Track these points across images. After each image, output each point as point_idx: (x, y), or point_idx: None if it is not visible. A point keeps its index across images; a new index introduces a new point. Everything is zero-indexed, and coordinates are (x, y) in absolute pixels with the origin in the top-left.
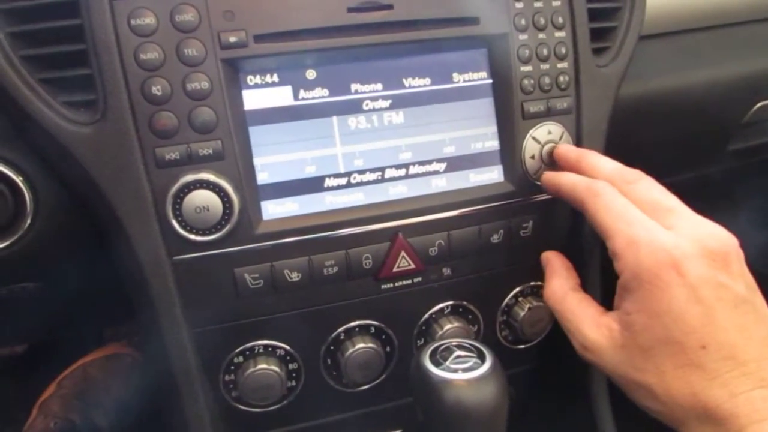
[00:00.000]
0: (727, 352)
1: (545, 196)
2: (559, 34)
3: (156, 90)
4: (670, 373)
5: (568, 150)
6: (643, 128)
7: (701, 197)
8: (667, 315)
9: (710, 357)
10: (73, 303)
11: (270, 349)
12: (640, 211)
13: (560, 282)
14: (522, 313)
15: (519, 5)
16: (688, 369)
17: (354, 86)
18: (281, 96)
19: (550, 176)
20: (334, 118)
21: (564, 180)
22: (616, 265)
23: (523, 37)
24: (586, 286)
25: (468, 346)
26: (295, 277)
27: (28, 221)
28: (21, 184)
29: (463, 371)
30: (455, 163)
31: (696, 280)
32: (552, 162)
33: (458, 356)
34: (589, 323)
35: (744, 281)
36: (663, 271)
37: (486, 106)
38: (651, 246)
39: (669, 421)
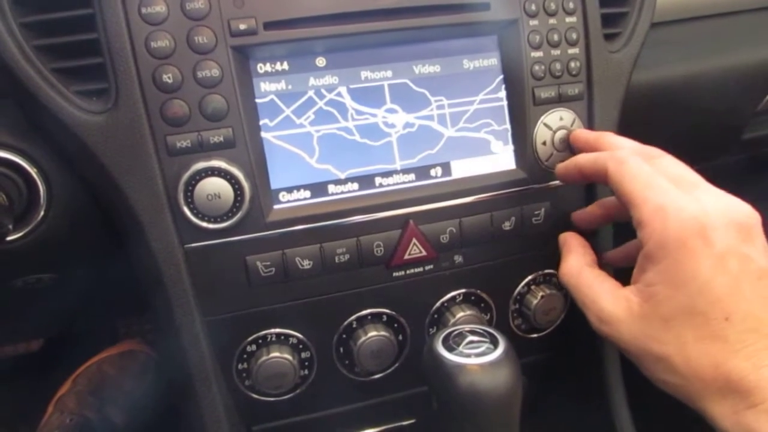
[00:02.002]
0: (751, 324)
1: (557, 183)
2: (570, 19)
3: (167, 78)
4: (691, 344)
5: (586, 132)
6: (655, 117)
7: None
8: (691, 284)
9: (734, 328)
10: (87, 296)
11: (282, 337)
12: (666, 180)
13: (576, 258)
14: (535, 302)
15: None
16: (710, 340)
17: (364, 73)
18: (291, 83)
19: (566, 162)
20: (346, 104)
21: (583, 158)
22: (641, 233)
23: (533, 22)
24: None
25: (480, 331)
26: (306, 264)
27: (42, 212)
28: (35, 176)
29: (476, 356)
30: (466, 150)
31: (723, 249)
32: (564, 149)
33: (471, 341)
34: (606, 295)
35: (766, 255)
36: (690, 239)
37: (496, 92)
38: (679, 214)
39: (685, 396)
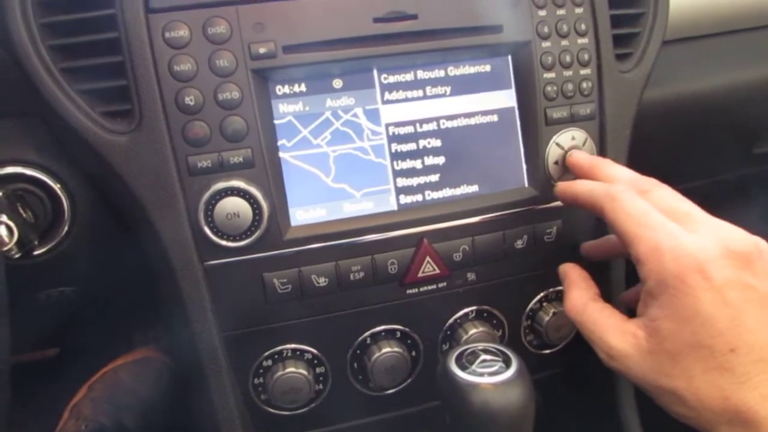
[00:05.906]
0: (757, 354)
1: None
2: (582, 40)
3: (189, 100)
4: (699, 377)
5: (580, 158)
6: (667, 133)
7: (722, 202)
8: (694, 319)
9: (740, 360)
10: (106, 306)
11: (298, 353)
12: (660, 215)
13: (580, 293)
14: (547, 318)
15: (542, 13)
16: (717, 373)
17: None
18: (309, 104)
19: (564, 185)
20: (362, 124)
21: (580, 187)
22: (641, 271)
23: (546, 44)
24: (610, 294)
25: (494, 350)
26: (322, 282)
27: (66, 227)
28: (59, 192)
29: (489, 375)
30: (478, 168)
31: (722, 282)
32: None
33: (484, 360)
34: (612, 331)
35: None
36: (689, 275)
37: (509, 112)
38: (675, 251)
39: (699, 427)
